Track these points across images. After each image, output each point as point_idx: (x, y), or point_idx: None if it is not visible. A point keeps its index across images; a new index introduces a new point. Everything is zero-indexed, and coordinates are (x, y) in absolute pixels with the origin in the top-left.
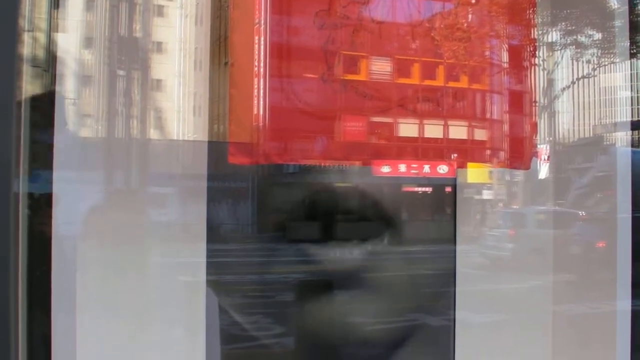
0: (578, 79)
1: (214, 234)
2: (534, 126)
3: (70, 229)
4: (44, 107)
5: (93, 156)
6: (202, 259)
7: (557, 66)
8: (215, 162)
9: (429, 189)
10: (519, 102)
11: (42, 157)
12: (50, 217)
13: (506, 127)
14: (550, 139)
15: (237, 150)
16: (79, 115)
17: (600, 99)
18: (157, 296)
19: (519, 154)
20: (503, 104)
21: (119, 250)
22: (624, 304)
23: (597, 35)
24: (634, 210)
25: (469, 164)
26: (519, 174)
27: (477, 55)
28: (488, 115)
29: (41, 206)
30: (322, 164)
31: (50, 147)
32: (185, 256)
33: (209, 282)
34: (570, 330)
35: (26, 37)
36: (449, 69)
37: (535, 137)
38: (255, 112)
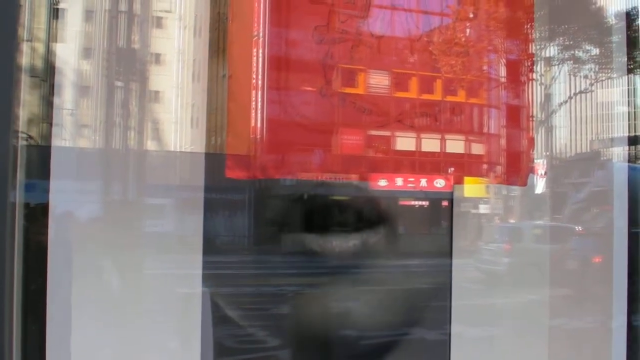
0: (575, 94)
1: (210, 245)
2: (531, 141)
3: (67, 239)
4: (42, 117)
5: (90, 167)
6: (198, 271)
7: (555, 81)
8: (213, 174)
9: (425, 203)
10: (516, 116)
11: (39, 167)
12: (46, 227)
13: (503, 142)
14: (547, 153)
15: (234, 164)
16: (76, 125)
17: (597, 114)
18: (153, 307)
19: (516, 170)
20: (500, 118)
21: (115, 261)
22: (620, 319)
23: (595, 51)
24: (630, 226)
25: (466, 179)
26: (516, 189)
27: (475, 70)
28: (485, 130)
29: (37, 216)
30: (320, 178)
31: (47, 157)
32: (181, 268)
33: (205, 294)
34: (566, 344)
35: (25, 47)
36: (446, 84)
37: (532, 152)
38: (252, 124)
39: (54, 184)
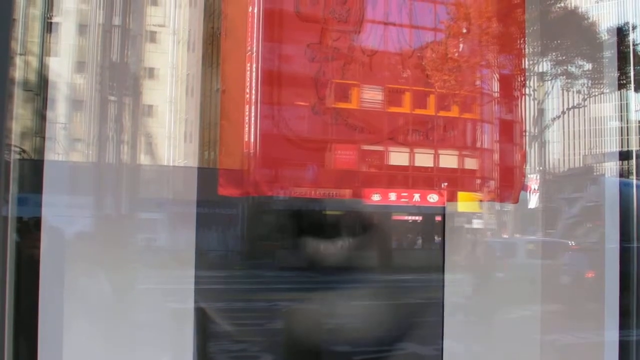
0: (568, 109)
1: (202, 260)
2: (524, 157)
3: (59, 253)
4: (35, 130)
5: (83, 181)
6: (190, 286)
7: (548, 96)
8: (205, 188)
9: (418, 218)
10: (509, 131)
11: (32, 181)
12: (38, 240)
13: (496, 158)
14: (540, 168)
15: (226, 181)
16: (69, 139)
17: (589, 129)
18: (145, 322)
19: (508, 186)
20: (493, 133)
21: (108, 275)
22: (612, 334)
23: (587, 66)
24: (622, 241)
25: (459, 195)
26: (509, 204)
27: (468, 85)
28: (478, 145)
29: (30, 230)
30: (312, 193)
31: (40, 170)
32: (173, 283)
33: (197, 309)
34: (558, 359)
35: (18, 61)
36: (440, 99)
37: (525, 167)
38: (246, 139)
39: (47, 197)
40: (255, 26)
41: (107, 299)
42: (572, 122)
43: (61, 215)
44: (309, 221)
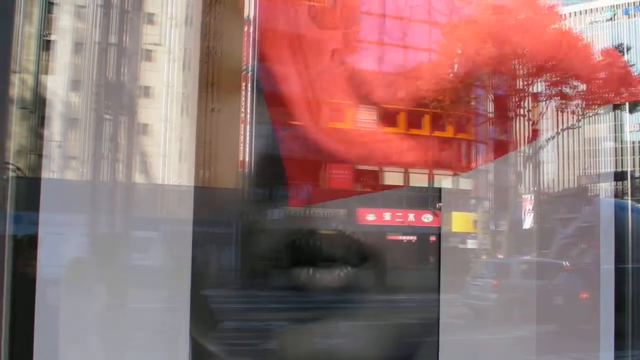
0: (562, 130)
1: (198, 279)
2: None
3: (55, 271)
4: (31, 148)
5: (79, 199)
6: (186, 304)
7: (542, 117)
8: (201, 207)
9: (413, 238)
10: (503, 152)
11: (28, 199)
12: (35, 259)
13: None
14: (535, 189)
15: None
16: (65, 157)
17: (584, 150)
18: (140, 341)
19: None
20: (488, 153)
21: (104, 294)
22: (607, 356)
23: (582, 87)
24: (617, 261)
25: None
26: (504, 224)
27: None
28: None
29: (26, 248)
30: (307, 211)
31: (37, 188)
32: (169, 301)
33: (193, 328)
34: None
35: (14, 79)
36: (435, 119)
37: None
38: (241, 158)
39: (43, 216)
40: (250, 44)
41: (103, 317)
42: (567, 142)
43: (58, 233)
44: (304, 241)
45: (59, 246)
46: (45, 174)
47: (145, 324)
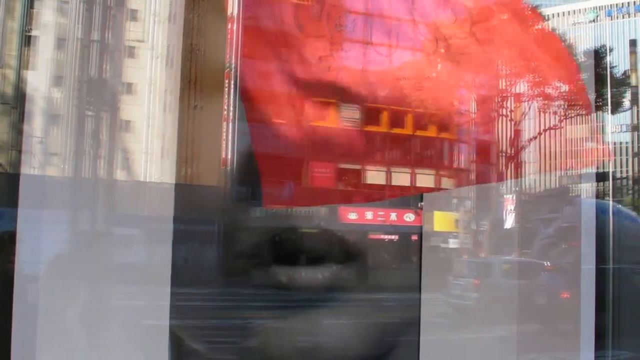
0: (545, 130)
1: (178, 277)
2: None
3: (34, 268)
4: (11, 144)
5: (59, 195)
6: (165, 303)
7: (525, 117)
8: (182, 204)
9: (395, 237)
10: (486, 151)
11: (7, 195)
12: (13, 255)
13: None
14: (517, 189)
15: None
16: (46, 153)
17: (566, 150)
18: (120, 339)
19: None
20: (470, 153)
21: (83, 291)
22: (587, 355)
23: (564, 88)
24: (598, 262)
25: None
26: (485, 223)
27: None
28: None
29: (4, 245)
30: (289, 209)
31: (16, 184)
32: (149, 299)
33: (172, 326)
34: None
35: None
36: (417, 118)
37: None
38: (223, 155)
39: (23, 212)
40: (234, 41)
41: (82, 314)
42: (549, 143)
43: (37, 229)
44: (286, 239)
45: (38, 243)
46: (25, 170)
47: (125, 321)
